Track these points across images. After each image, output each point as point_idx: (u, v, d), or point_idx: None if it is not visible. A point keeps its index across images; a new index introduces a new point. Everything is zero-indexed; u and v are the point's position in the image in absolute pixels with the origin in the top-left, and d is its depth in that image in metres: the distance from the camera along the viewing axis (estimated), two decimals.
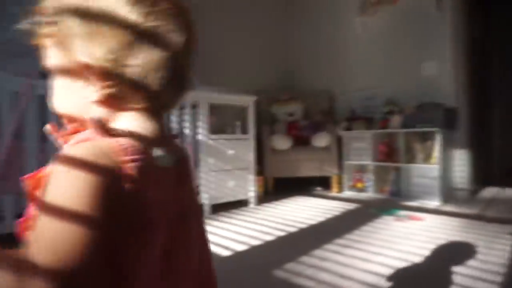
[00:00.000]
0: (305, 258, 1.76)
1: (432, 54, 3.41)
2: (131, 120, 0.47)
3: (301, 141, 3.66)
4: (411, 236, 2.10)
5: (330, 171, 3.60)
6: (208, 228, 2.33)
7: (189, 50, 0.50)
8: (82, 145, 0.41)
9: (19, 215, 1.71)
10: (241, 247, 1.96)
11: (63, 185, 0.36)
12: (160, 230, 0.44)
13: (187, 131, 2.77)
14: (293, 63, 4.60)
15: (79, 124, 0.49)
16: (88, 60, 0.44)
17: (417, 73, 3.51)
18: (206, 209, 2.75)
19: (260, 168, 3.46)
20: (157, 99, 0.48)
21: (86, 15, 0.43)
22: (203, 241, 0.57)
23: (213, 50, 3.72)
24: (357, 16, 3.90)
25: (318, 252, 1.85)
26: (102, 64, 0.44)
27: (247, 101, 3.07)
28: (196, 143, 2.77)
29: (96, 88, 0.45)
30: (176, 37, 0.47)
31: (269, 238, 2.13)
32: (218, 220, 2.56)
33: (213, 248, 1.94)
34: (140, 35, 0.44)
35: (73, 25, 0.44)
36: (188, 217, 0.52)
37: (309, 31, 4.47)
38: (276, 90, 4.20)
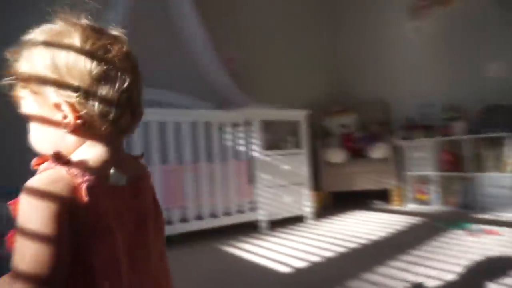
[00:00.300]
0: (368, 275, 1.68)
1: (497, 55, 3.17)
2: (93, 147, 0.59)
3: (357, 153, 3.56)
4: (487, 253, 1.91)
5: (389, 183, 3.44)
6: (265, 244, 2.33)
7: (136, 85, 0.61)
8: (42, 175, 0.53)
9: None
10: (300, 264, 1.92)
11: (26, 212, 0.50)
12: (117, 234, 0.55)
13: (241, 148, 2.83)
14: (344, 74, 4.53)
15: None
16: (59, 100, 0.56)
17: (478, 75, 3.27)
18: (263, 225, 2.75)
19: (316, 182, 3.41)
20: (116, 126, 0.58)
21: (55, 68, 0.56)
22: (162, 246, 0.68)
23: (262, 67, 3.79)
24: (408, 20, 3.76)
25: (382, 269, 1.76)
26: (70, 100, 0.56)
27: (299, 115, 3.07)
28: (250, 160, 2.81)
29: (68, 121, 0.57)
30: (124, 76, 0.58)
31: (328, 254, 2.07)
32: (275, 236, 2.55)
33: (271, 265, 1.93)
34: (97, 77, 0.56)
35: (45, 76, 0.57)
36: (147, 224, 0.62)
37: (357, 39, 4.39)
38: (328, 103, 4.15)
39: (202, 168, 2.58)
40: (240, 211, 2.73)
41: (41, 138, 0.61)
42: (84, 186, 0.52)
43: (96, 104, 0.56)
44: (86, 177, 0.53)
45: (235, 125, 2.83)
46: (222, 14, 3.52)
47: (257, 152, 2.79)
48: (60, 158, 0.55)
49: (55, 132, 0.59)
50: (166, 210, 2.42)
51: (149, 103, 3.01)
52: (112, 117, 0.57)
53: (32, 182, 0.51)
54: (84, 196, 0.52)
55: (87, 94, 0.56)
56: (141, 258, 0.60)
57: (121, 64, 0.58)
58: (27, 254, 0.48)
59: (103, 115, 0.57)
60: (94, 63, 0.56)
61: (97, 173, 0.56)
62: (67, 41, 0.57)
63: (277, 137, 3.04)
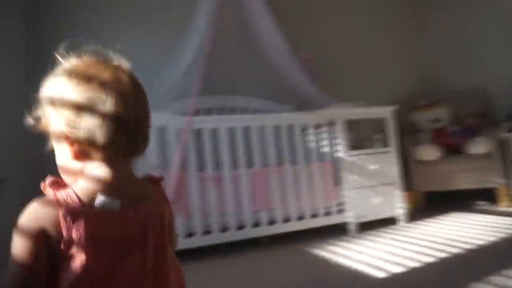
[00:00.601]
0: (480, 286, 1.51)
1: None
2: (92, 172, 0.64)
3: (452, 149, 3.25)
4: None
5: (495, 181, 3.07)
6: (356, 247, 2.25)
7: (130, 108, 0.63)
8: (32, 204, 0.60)
9: (189, 234, 1.95)
10: (397, 269, 1.82)
11: (14, 241, 0.58)
12: (93, 257, 0.58)
13: (326, 149, 2.78)
14: (432, 63, 4.17)
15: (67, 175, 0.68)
16: (60, 131, 0.63)
17: None
18: (352, 227, 2.67)
19: (408, 182, 3.19)
20: (111, 150, 0.62)
21: (53, 105, 0.63)
22: (162, 268, 0.67)
23: (341, 64, 3.69)
24: None
25: (497, 279, 1.56)
26: (64, 130, 0.62)
27: (385, 112, 2.91)
28: (336, 161, 2.75)
29: (67, 148, 0.63)
30: (109, 102, 0.61)
31: (428, 259, 1.92)
32: (365, 239, 2.45)
33: (365, 268, 1.86)
34: (82, 106, 0.61)
35: (48, 109, 0.65)
36: (135, 249, 0.63)
37: (446, 23, 4.00)
38: (416, 96, 3.86)
39: (287, 171, 2.60)
40: (328, 213, 2.68)
41: (59, 166, 0.68)
42: (61, 213, 0.58)
43: (82, 130, 0.61)
44: (68, 204, 0.59)
45: (318, 126, 2.80)
46: (297, 12, 3.52)
47: (342, 152, 2.72)
48: (53, 185, 0.62)
49: (66, 160, 0.65)
50: (254, 213, 2.49)
51: (232, 110, 3.15)
52: (101, 141, 0.61)
53: (23, 214, 0.59)
54: (60, 223, 0.57)
55: (73, 122, 0.61)
56: (123, 283, 0.61)
57: (106, 91, 0.62)
58: (10, 272, 0.58)
59: (90, 140, 0.61)
60: (78, 93, 0.61)
61: (85, 199, 0.60)
62: (59, 78, 0.64)
63: (362, 136, 2.93)
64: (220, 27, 2.81)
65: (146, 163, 2.29)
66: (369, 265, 1.92)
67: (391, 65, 4.03)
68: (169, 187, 2.26)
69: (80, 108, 0.61)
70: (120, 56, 0.69)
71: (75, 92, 0.62)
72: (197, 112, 2.58)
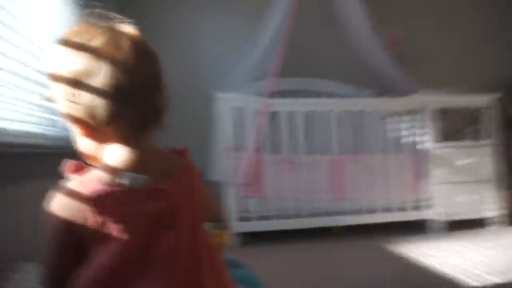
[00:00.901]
0: None
1: None
2: (110, 150, 0.59)
3: None
4: None
5: None
6: (439, 247, 2.07)
7: (135, 76, 0.56)
8: (58, 193, 0.56)
9: (263, 216, 1.91)
10: (495, 279, 1.61)
11: (48, 229, 0.56)
12: (125, 237, 0.54)
13: (411, 139, 2.56)
14: None
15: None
16: (59, 107, 0.58)
17: None
18: (435, 225, 2.45)
19: (509, 182, 2.82)
20: (119, 124, 0.56)
21: (51, 76, 0.58)
22: (197, 245, 0.60)
23: (433, 46, 3.33)
24: None
25: None
26: (65, 107, 0.57)
27: (485, 101, 2.58)
28: (422, 153, 2.52)
29: (75, 126, 0.58)
30: (107, 71, 0.54)
31: None
32: (451, 241, 2.23)
33: (453, 273, 1.68)
34: (76, 78, 0.54)
35: (52, 85, 0.59)
36: (168, 226, 0.57)
37: None
38: None
39: (368, 160, 2.45)
40: (416, 208, 2.47)
41: (77, 148, 0.63)
42: (87, 197, 0.54)
43: (81, 105, 0.55)
44: (93, 187, 0.54)
45: (403, 113, 2.58)
46: None
47: (430, 144, 2.48)
48: (74, 169, 0.57)
49: (80, 137, 0.61)
50: (329, 201, 2.39)
51: (308, 93, 3.04)
52: (103, 116, 0.55)
53: (51, 204, 0.56)
54: (88, 208, 0.54)
55: (72, 97, 0.55)
56: (161, 259, 0.56)
57: (101, 58, 0.54)
58: (44, 263, 0.58)
59: (92, 115, 0.55)
60: (70, 64, 0.55)
61: (107, 179, 0.56)
62: (55, 50, 0.58)
63: (453, 127, 2.64)
64: (302, 5, 2.69)
65: (221, 144, 2.31)
66: (458, 269, 1.73)
67: (492, 47, 3.53)
68: (243, 168, 2.26)
69: (74, 80, 0.55)
70: (125, 19, 0.61)
71: (68, 63, 0.56)
72: (272, 94, 2.52)
